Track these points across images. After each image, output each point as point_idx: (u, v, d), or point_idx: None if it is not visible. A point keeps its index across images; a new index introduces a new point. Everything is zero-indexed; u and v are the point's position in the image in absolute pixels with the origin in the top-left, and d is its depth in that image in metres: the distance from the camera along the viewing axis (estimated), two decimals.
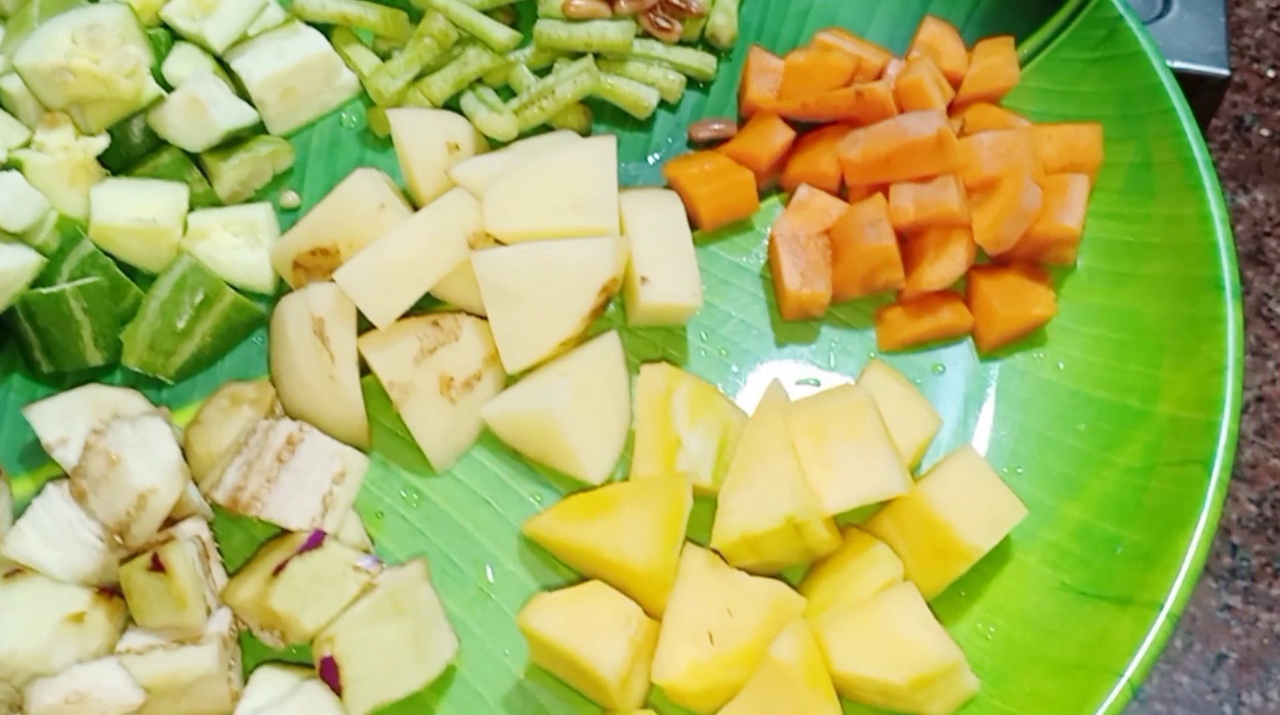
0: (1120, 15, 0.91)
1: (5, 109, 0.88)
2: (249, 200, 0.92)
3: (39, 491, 0.77)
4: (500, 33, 0.93)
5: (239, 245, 0.89)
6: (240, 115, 0.89)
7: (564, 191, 0.85)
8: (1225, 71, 0.98)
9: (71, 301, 0.83)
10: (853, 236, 0.86)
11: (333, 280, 0.82)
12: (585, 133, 0.95)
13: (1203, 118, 0.96)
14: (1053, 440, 0.84)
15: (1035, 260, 0.88)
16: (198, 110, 0.88)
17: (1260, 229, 1.06)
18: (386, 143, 0.94)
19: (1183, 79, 0.91)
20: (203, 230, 0.89)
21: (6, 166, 0.85)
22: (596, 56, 0.94)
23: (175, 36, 0.92)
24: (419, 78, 0.94)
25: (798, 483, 0.76)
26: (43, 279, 0.85)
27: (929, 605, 0.75)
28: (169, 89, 0.90)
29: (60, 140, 0.86)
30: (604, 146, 0.87)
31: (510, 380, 0.85)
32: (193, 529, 0.77)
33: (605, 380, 0.84)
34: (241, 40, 0.93)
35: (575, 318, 0.83)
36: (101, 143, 0.87)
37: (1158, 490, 0.80)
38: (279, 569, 0.75)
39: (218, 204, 0.91)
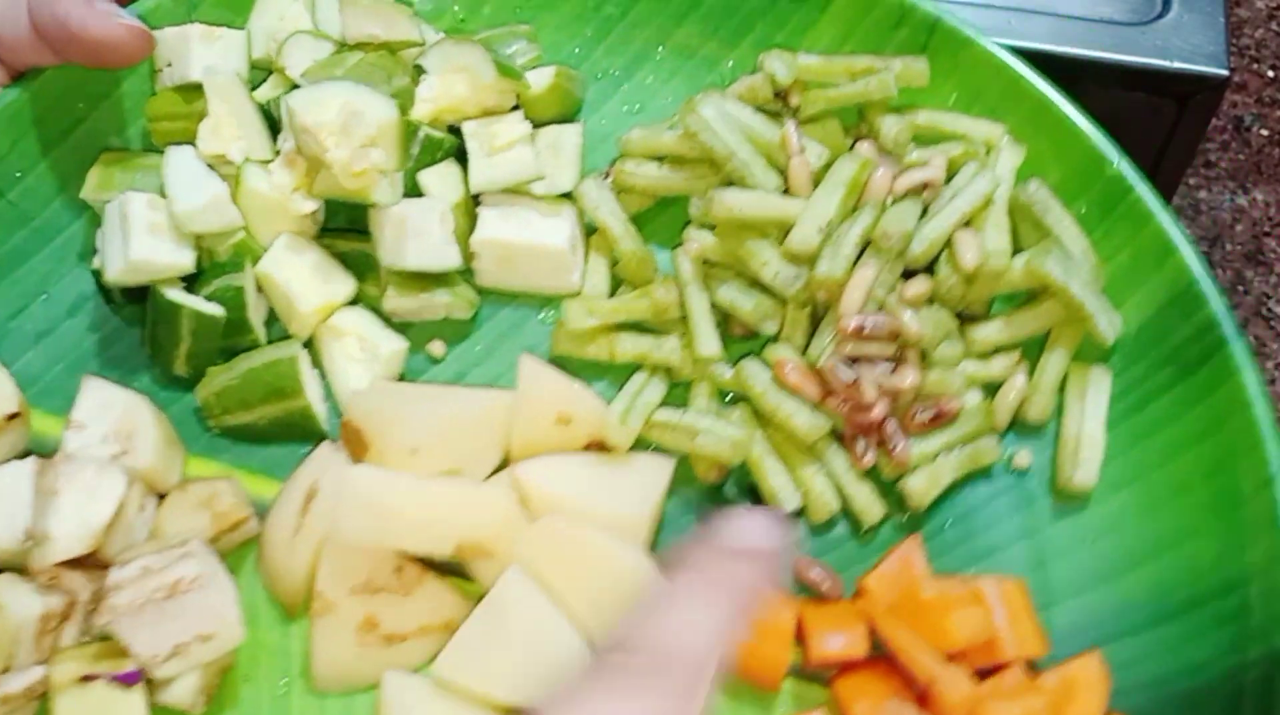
0: None
1: (278, 122, 0.90)
2: (406, 324, 0.90)
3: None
4: (708, 345, 0.85)
5: (358, 361, 0.88)
6: (435, 259, 0.87)
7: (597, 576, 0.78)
8: (1225, 72, 0.97)
9: (184, 318, 0.86)
10: None
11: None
12: (713, 487, 0.86)
13: (1202, 118, 0.98)
14: None
15: None
16: (399, 234, 0.86)
17: (1260, 229, 1.07)
18: (562, 361, 0.89)
19: (1182, 79, 0.96)
20: (341, 330, 0.88)
21: (227, 166, 0.88)
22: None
23: (459, 149, 0.91)
24: (620, 327, 0.88)
25: None
26: (191, 277, 0.88)
27: None
28: (414, 190, 0.89)
29: (284, 180, 0.88)
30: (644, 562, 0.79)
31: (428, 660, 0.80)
32: (87, 584, 0.79)
33: None
34: (502, 189, 0.90)
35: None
36: (308, 207, 0.88)
37: None
38: (88, 677, 0.76)
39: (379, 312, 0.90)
